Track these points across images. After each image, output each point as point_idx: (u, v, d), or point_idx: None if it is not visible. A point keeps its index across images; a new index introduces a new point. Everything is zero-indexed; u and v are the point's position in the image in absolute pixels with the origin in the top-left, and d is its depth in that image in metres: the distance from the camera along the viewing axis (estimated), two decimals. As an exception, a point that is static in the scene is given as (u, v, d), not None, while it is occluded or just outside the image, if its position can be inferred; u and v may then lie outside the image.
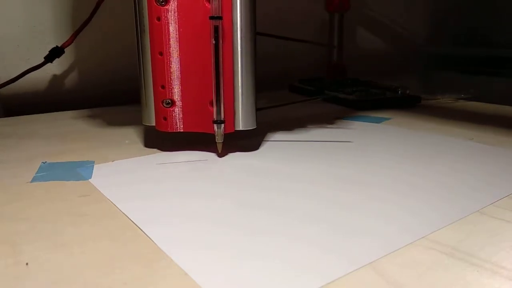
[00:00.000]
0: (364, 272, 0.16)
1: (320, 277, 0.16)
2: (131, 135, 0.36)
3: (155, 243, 0.18)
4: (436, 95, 0.53)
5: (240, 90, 0.29)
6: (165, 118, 0.30)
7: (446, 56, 0.76)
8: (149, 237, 0.19)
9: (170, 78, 0.29)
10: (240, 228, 0.20)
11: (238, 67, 0.29)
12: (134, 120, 0.43)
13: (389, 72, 0.71)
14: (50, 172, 0.27)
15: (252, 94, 0.30)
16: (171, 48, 0.29)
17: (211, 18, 0.27)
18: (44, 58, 0.47)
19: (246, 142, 0.33)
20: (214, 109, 0.29)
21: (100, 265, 0.17)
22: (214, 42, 0.27)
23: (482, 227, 0.20)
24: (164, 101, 0.29)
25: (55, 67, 0.50)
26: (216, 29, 0.27)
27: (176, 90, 0.29)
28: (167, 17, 0.28)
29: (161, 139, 0.33)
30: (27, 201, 0.23)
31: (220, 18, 0.27)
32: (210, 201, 0.23)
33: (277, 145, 0.33)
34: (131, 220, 0.20)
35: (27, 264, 0.17)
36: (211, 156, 0.30)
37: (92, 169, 0.28)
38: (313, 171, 0.27)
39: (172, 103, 0.30)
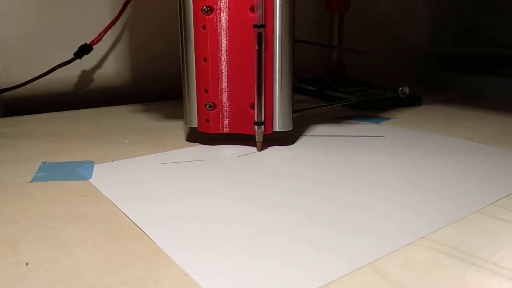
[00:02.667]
0: (364, 272, 0.16)
1: (320, 277, 0.16)
2: (131, 135, 0.36)
3: (155, 243, 0.18)
4: (436, 95, 0.53)
5: (278, 94, 0.31)
6: (207, 120, 0.32)
7: (446, 56, 0.76)
8: (149, 237, 0.19)
9: (213, 83, 0.31)
10: (240, 227, 0.20)
11: (277, 72, 0.30)
12: (134, 120, 0.43)
13: (389, 72, 0.71)
14: (50, 172, 0.27)
15: (289, 97, 0.32)
16: (215, 55, 0.31)
17: (255, 26, 0.29)
18: (74, 54, 0.48)
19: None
20: (255, 111, 0.30)
21: (100, 265, 0.17)
22: (257, 48, 0.29)
23: (482, 227, 0.20)
24: (207, 104, 0.32)
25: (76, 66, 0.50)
26: (259, 36, 0.29)
27: (218, 94, 0.31)
28: (211, 25, 0.30)
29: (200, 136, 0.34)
30: (27, 201, 0.23)
31: (263, 26, 0.29)
32: (210, 201, 0.23)
33: (279, 146, 0.33)
34: (131, 220, 0.20)
35: (27, 264, 0.17)
36: (211, 156, 0.30)
37: (92, 169, 0.28)
38: (313, 170, 0.27)
39: (215, 106, 0.32)
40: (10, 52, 0.47)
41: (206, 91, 0.31)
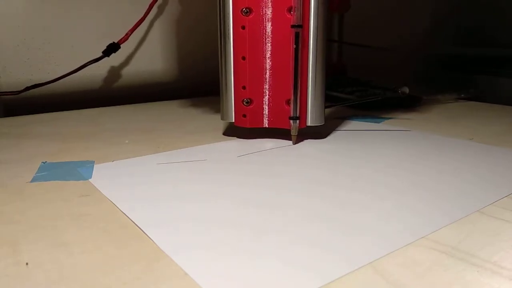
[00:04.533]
0: (364, 271, 0.16)
1: (320, 277, 0.16)
2: (132, 135, 0.36)
3: (155, 243, 0.18)
4: (436, 95, 0.53)
5: (313, 90, 0.33)
6: (244, 115, 0.34)
7: (446, 56, 0.76)
8: (149, 237, 0.19)
9: (251, 80, 0.33)
10: (240, 227, 0.20)
11: (312, 69, 0.32)
12: (134, 120, 0.43)
13: (389, 72, 0.71)
14: (50, 172, 0.27)
15: (322, 93, 0.33)
16: (253, 53, 0.33)
17: (293, 26, 0.31)
18: (102, 52, 0.50)
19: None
20: (291, 106, 0.32)
21: (100, 265, 0.17)
22: (294, 47, 0.31)
23: (482, 227, 0.20)
24: (244, 100, 0.33)
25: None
26: (297, 35, 0.31)
27: (255, 90, 0.33)
28: (250, 26, 0.32)
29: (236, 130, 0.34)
30: (27, 201, 0.23)
31: (300, 26, 0.31)
32: (210, 200, 0.23)
33: (281, 146, 0.33)
34: (131, 220, 0.20)
35: (27, 264, 0.17)
36: (213, 156, 0.30)
37: (92, 169, 0.28)
38: (312, 170, 0.27)
39: (251, 101, 0.33)
40: (10, 52, 0.47)
41: (244, 87, 0.33)
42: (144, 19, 0.51)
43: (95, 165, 0.28)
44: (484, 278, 0.16)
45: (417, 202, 0.22)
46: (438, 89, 0.56)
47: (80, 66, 0.49)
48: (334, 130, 0.38)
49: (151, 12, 0.52)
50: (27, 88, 0.47)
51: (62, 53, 0.50)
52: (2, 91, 0.47)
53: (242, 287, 0.15)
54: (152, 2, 0.51)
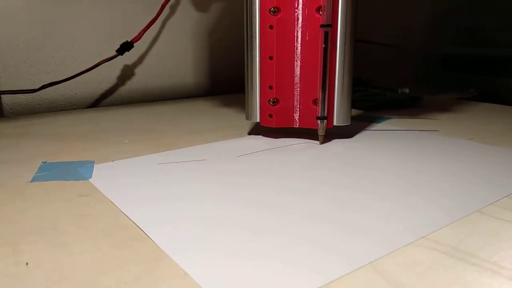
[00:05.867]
0: (364, 271, 0.16)
1: (320, 276, 0.16)
2: (131, 135, 0.36)
3: (155, 243, 0.18)
4: (437, 95, 0.53)
5: (340, 90, 0.32)
6: (270, 115, 0.34)
7: (446, 56, 0.76)
8: (149, 237, 0.19)
9: (278, 80, 0.33)
10: (241, 227, 0.20)
11: (340, 69, 0.32)
12: (134, 119, 0.43)
13: (389, 72, 0.71)
14: (50, 172, 0.27)
15: (349, 93, 0.33)
16: (281, 53, 0.32)
17: (322, 26, 0.30)
18: (116, 51, 0.51)
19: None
20: (319, 106, 0.32)
21: (100, 265, 0.16)
22: (323, 46, 0.31)
23: (482, 227, 0.20)
24: (271, 100, 0.33)
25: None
26: (326, 35, 0.31)
27: (282, 90, 0.33)
28: (279, 25, 0.32)
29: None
30: (27, 201, 0.23)
31: (330, 26, 0.30)
32: (210, 200, 0.23)
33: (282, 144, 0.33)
34: (131, 220, 0.20)
35: (27, 264, 0.17)
36: (213, 156, 0.30)
37: (92, 169, 0.28)
38: (309, 170, 0.27)
39: (278, 101, 0.33)
40: (10, 52, 0.47)
41: (271, 87, 0.33)
42: (157, 19, 0.52)
43: (95, 165, 0.28)
44: (484, 278, 0.16)
45: (417, 202, 0.22)
46: (438, 89, 0.56)
47: (95, 65, 0.49)
48: (357, 130, 0.37)
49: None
50: (43, 86, 0.47)
51: (62, 53, 0.50)
52: (19, 89, 0.47)
53: (242, 287, 0.15)
54: (164, 2, 0.52)
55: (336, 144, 0.33)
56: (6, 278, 0.16)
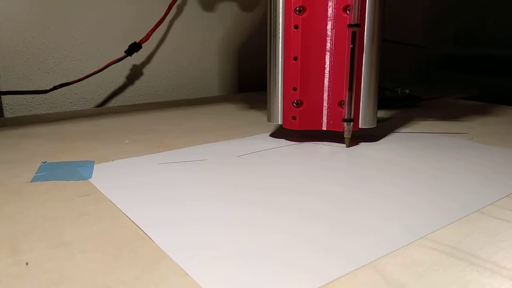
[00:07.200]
0: (365, 271, 0.16)
1: (320, 277, 0.16)
2: (132, 135, 0.36)
3: (155, 243, 0.18)
4: (437, 95, 0.53)
5: (366, 92, 0.31)
6: (294, 118, 0.33)
7: (446, 56, 0.76)
8: (149, 237, 0.19)
9: (303, 81, 0.32)
10: (241, 227, 0.19)
11: (366, 70, 0.31)
12: (134, 119, 0.43)
13: (389, 72, 0.71)
14: (50, 171, 0.27)
15: (375, 95, 0.32)
16: (306, 54, 0.31)
17: (350, 25, 0.30)
18: (125, 52, 0.51)
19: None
20: (346, 108, 0.31)
21: (100, 265, 0.17)
22: (351, 46, 0.30)
23: (482, 227, 0.20)
24: (294, 101, 0.32)
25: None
26: (353, 35, 0.30)
27: (307, 91, 0.32)
28: (304, 25, 0.31)
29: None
30: (27, 201, 0.23)
31: (358, 25, 0.30)
32: (210, 200, 0.23)
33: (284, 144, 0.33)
34: (131, 220, 0.20)
35: (27, 264, 0.17)
36: (213, 156, 0.30)
37: (92, 169, 0.28)
38: (310, 169, 0.27)
39: (302, 103, 0.32)
40: (10, 52, 0.47)
41: (295, 89, 0.32)
42: (164, 19, 0.52)
43: (95, 165, 0.28)
44: (484, 278, 0.16)
45: (417, 202, 0.22)
46: (439, 88, 0.56)
47: (105, 66, 0.50)
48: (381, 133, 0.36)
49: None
50: (55, 88, 0.47)
51: (62, 53, 0.50)
52: (31, 90, 0.47)
53: (242, 286, 0.15)
54: (171, 3, 0.52)
55: (341, 146, 0.33)
56: (6, 278, 0.16)
